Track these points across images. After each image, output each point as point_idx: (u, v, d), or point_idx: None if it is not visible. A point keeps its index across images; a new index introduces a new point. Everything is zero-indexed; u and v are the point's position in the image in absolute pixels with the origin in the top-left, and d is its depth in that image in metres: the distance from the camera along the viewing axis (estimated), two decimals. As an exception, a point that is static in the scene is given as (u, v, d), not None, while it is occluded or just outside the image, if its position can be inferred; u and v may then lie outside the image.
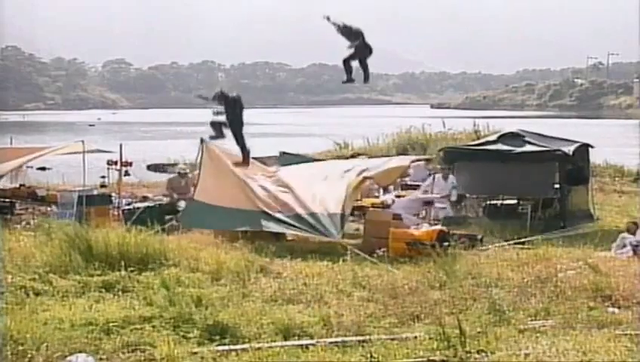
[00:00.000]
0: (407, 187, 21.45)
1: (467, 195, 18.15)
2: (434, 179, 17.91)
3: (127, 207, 17.37)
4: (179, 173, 18.17)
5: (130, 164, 20.79)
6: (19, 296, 8.74)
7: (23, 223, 15.98)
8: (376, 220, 14.50)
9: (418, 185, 20.70)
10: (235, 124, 15.21)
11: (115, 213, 17.21)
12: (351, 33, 16.31)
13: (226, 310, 8.39)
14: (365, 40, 16.49)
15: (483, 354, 7.01)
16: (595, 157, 21.92)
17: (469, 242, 14.01)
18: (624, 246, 13.56)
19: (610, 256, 12.82)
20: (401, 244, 12.95)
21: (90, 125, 78.71)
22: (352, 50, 15.99)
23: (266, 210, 13.39)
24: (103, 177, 22.71)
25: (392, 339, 7.53)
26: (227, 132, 15.30)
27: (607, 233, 14.73)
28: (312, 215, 13.05)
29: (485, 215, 17.45)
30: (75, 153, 20.28)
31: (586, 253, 12.43)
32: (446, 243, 12.84)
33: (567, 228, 15.93)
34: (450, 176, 17.35)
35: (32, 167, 22.32)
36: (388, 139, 31.80)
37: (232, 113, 15.27)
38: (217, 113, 15.20)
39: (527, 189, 16.87)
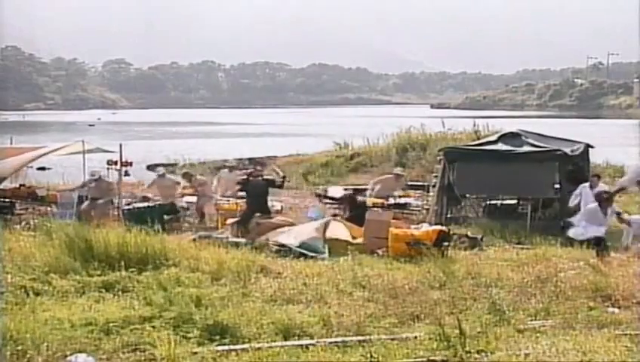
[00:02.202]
0: (407, 187, 21.50)
1: (467, 195, 18.17)
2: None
3: (127, 207, 17.39)
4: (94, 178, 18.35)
5: (130, 164, 20.77)
6: (19, 296, 8.73)
7: (23, 223, 15.98)
8: (377, 220, 14.53)
9: (421, 185, 20.75)
10: None
11: (115, 213, 17.23)
12: None
13: (226, 310, 8.37)
14: None
15: (483, 354, 7.00)
16: (595, 158, 21.93)
17: (469, 242, 14.06)
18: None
19: (610, 256, 12.79)
20: (401, 244, 12.97)
21: (90, 125, 78.80)
22: None
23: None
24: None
25: (392, 339, 7.52)
26: None
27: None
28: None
29: (485, 215, 17.46)
30: (75, 153, 20.27)
31: (585, 253, 12.43)
32: (446, 244, 12.87)
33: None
34: (601, 185, 15.96)
35: (31, 167, 22.33)
36: (388, 139, 31.81)
37: None
38: None
39: (527, 189, 16.89)
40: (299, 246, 13.18)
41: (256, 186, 16.58)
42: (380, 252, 13.06)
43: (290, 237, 13.74)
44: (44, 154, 19.20)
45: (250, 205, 16.45)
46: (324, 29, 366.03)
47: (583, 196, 15.28)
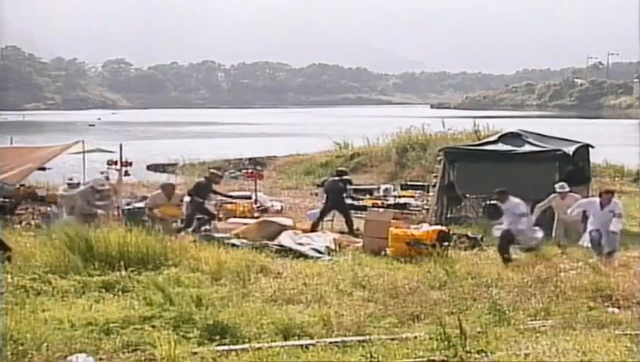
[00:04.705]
0: (407, 187, 21.52)
1: (467, 195, 18.16)
2: None
3: (127, 207, 17.38)
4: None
5: (130, 164, 20.78)
6: (19, 296, 8.74)
7: (23, 223, 15.97)
8: (376, 220, 14.52)
9: (421, 185, 20.75)
10: None
11: (115, 213, 17.21)
12: None
13: (226, 310, 8.38)
14: None
15: (483, 354, 7.00)
16: (595, 157, 21.94)
17: (469, 242, 14.05)
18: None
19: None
20: (401, 244, 12.96)
21: (91, 125, 78.75)
22: None
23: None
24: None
25: (392, 339, 7.52)
26: None
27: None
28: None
29: (485, 215, 17.44)
30: (77, 153, 20.31)
31: (585, 253, 12.43)
32: (446, 244, 12.86)
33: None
34: (615, 201, 13.32)
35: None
36: (388, 139, 31.82)
37: None
38: None
39: (527, 189, 16.84)
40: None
41: (200, 187, 16.68)
42: (385, 251, 13.08)
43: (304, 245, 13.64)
44: (53, 156, 19.13)
45: (192, 207, 16.32)
46: (324, 29, 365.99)
47: (591, 214, 12.96)
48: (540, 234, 12.98)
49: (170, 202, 15.58)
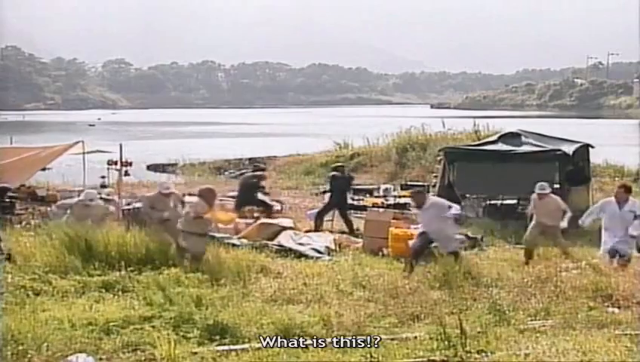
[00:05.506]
0: (407, 187, 21.50)
1: (467, 195, 18.17)
2: None
3: (127, 207, 17.36)
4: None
5: (130, 164, 20.77)
6: (19, 296, 8.74)
7: (23, 223, 15.97)
8: (376, 220, 14.53)
9: (421, 185, 20.72)
10: None
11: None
12: None
13: (226, 310, 8.38)
14: None
15: (483, 354, 7.00)
16: (595, 157, 21.91)
17: (469, 242, 14.06)
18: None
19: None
20: (401, 244, 12.96)
21: (91, 125, 78.74)
22: None
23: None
24: (103, 177, 22.76)
25: (392, 339, 7.52)
26: None
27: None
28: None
29: (485, 215, 17.46)
30: (77, 154, 20.27)
31: (586, 253, 12.42)
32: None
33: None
34: (632, 199, 12.09)
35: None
36: (388, 139, 31.81)
37: None
38: None
39: (527, 189, 16.84)
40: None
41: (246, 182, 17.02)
42: (384, 251, 13.08)
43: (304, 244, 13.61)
44: (55, 158, 19.11)
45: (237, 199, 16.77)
46: (324, 29, 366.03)
47: (608, 215, 11.98)
48: (459, 237, 12.35)
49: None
